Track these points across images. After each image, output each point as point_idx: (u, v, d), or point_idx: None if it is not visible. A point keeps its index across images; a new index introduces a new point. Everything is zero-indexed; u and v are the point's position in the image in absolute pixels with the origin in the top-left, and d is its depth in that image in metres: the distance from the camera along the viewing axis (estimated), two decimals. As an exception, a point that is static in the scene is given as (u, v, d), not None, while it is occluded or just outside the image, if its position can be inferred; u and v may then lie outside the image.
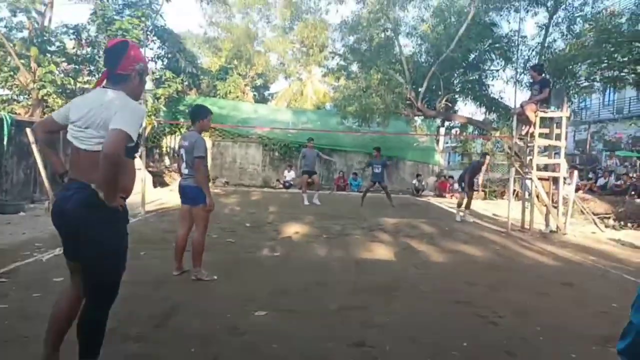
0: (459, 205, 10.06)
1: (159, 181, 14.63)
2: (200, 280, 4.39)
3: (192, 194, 4.37)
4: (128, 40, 2.46)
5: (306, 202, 11.49)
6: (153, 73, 16.63)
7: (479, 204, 13.95)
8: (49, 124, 2.44)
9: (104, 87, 2.31)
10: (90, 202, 2.16)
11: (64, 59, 13.63)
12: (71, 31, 13.93)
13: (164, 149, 17.97)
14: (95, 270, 2.24)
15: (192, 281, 4.38)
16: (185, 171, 4.43)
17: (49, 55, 12.69)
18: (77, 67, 14.20)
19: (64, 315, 2.36)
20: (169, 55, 16.63)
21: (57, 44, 13.35)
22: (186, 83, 17.03)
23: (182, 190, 4.50)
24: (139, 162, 12.69)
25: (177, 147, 4.37)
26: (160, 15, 15.40)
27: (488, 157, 10.30)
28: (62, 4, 25.45)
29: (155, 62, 16.80)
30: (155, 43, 16.21)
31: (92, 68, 14.82)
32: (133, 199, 10.05)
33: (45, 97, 12.42)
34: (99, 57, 14.79)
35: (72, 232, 2.23)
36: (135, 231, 6.85)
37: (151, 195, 11.07)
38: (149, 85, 16.18)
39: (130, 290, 3.98)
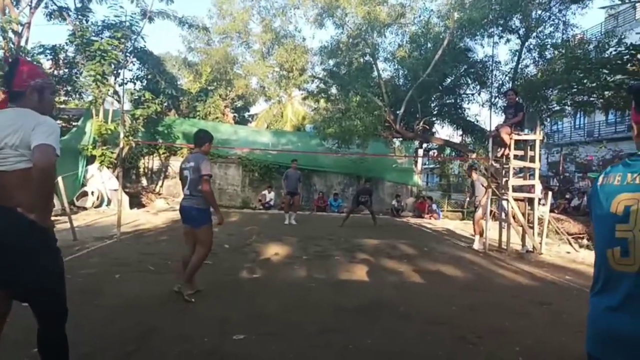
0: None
1: (135, 202, 14.38)
2: (180, 294, 4.39)
3: (194, 215, 4.46)
4: (20, 58, 2.41)
5: (286, 222, 11.73)
6: (132, 94, 16.51)
7: (457, 224, 14.11)
8: None
9: (8, 107, 2.23)
10: (20, 226, 2.04)
11: (40, 79, 13.42)
12: (48, 51, 13.78)
13: (142, 170, 17.71)
14: (45, 290, 2.16)
15: (168, 304, 4.28)
16: (187, 192, 4.50)
17: (24, 75, 12.50)
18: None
19: None
20: (149, 76, 16.57)
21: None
22: (165, 104, 16.94)
23: (184, 211, 4.56)
24: (115, 183, 12.52)
25: (178, 170, 4.49)
26: (141, 37, 15.38)
27: (474, 172, 9.77)
28: (40, 25, 25.28)
29: (134, 83, 16.71)
30: (134, 64, 16.14)
31: (69, 88, 14.64)
32: (109, 220, 9.85)
33: (19, 117, 12.18)
34: (77, 77, 14.67)
35: (4, 260, 2.05)
36: (110, 253, 6.70)
37: (127, 216, 10.86)
38: (127, 106, 16.07)
39: (104, 314, 3.87)
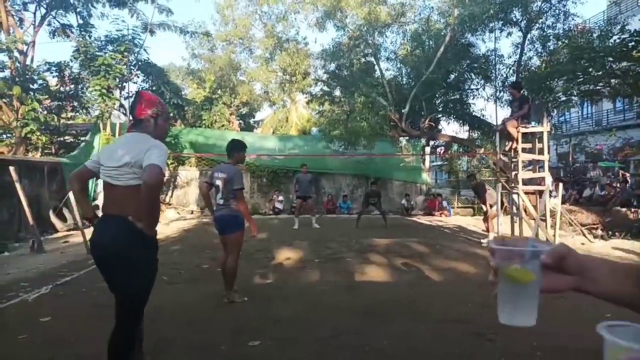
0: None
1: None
2: (233, 302, 4.56)
3: (227, 222, 4.56)
4: (140, 91, 2.91)
5: (295, 226, 11.63)
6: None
7: (469, 220, 14.03)
8: (84, 173, 2.77)
9: (130, 132, 2.68)
10: (128, 233, 2.41)
11: (46, 96, 13.61)
12: (54, 68, 13.97)
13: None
14: (133, 293, 2.48)
15: (183, 314, 4.30)
16: (220, 202, 4.61)
17: (31, 93, 12.68)
18: (60, 103, 14.18)
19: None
20: (153, 88, 16.72)
21: (40, 81, 13.36)
22: (171, 114, 17.07)
23: (218, 221, 4.65)
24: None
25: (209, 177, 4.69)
26: (144, 50, 15.54)
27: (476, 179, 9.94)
28: (45, 42, 25.60)
29: (140, 96, 16.86)
30: (139, 77, 16.31)
31: (75, 104, 14.81)
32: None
33: (28, 135, 12.34)
34: (82, 92, 14.83)
35: (106, 262, 2.46)
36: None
37: (139, 228, 10.94)
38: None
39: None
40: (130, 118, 2.74)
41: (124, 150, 2.50)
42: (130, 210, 2.42)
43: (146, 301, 2.57)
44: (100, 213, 2.65)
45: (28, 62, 13.39)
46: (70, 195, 8.88)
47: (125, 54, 13.86)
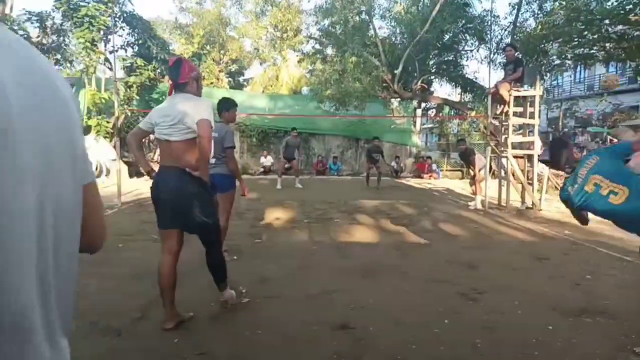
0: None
1: (134, 171, 14.36)
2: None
3: (219, 181, 4.44)
4: (181, 57, 3.20)
5: (279, 186, 11.79)
6: (124, 60, 16.15)
7: (457, 183, 14.16)
8: (139, 134, 3.22)
9: (174, 94, 3.06)
10: (186, 176, 2.94)
11: (28, 48, 13.11)
12: (35, 18, 13.40)
13: (139, 139, 17.59)
14: (204, 226, 3.03)
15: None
16: (212, 160, 4.49)
17: (12, 44, 12.19)
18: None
19: (166, 280, 3.03)
20: (140, 42, 16.17)
21: (20, 32, 12.82)
22: (158, 70, 16.60)
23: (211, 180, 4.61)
24: (113, 153, 12.44)
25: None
26: (129, 1, 14.92)
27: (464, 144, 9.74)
28: (24, -10, 24.42)
29: (125, 50, 16.33)
30: (124, 30, 15.71)
31: (59, 57, 14.31)
32: (109, 191, 9.88)
33: (10, 89, 11.96)
34: (66, 45, 14.31)
35: (177, 205, 2.95)
36: (112, 224, 6.73)
37: (127, 185, 10.87)
38: (119, 73, 15.74)
39: (109, 284, 3.92)
40: (171, 82, 3.10)
41: (176, 110, 2.90)
42: (186, 161, 2.92)
43: (217, 222, 3.20)
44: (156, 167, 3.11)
45: (7, 10, 12.81)
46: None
47: (109, 4, 13.29)
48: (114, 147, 11.54)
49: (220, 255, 3.28)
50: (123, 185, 9.05)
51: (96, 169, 12.98)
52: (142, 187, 11.17)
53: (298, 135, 12.43)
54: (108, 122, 13.58)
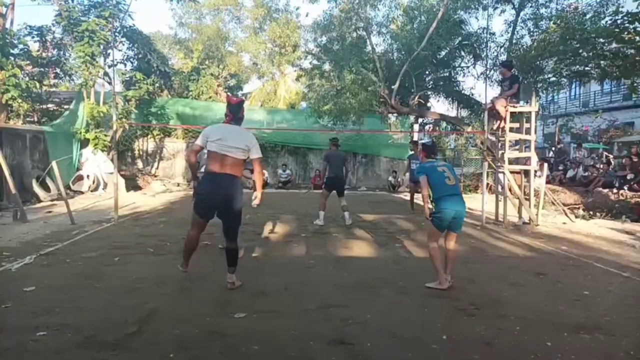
0: None
1: (132, 185, 14.34)
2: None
3: None
4: (243, 99, 4.71)
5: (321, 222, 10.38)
6: (123, 74, 16.24)
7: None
8: (197, 149, 4.16)
9: (232, 124, 4.22)
10: (236, 186, 4.11)
11: (28, 62, 13.18)
12: (35, 33, 13.49)
13: (136, 152, 17.59)
14: (237, 220, 4.19)
15: (169, 286, 4.30)
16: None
17: (12, 58, 12.25)
18: (42, 70, 13.76)
19: (193, 246, 4.35)
20: (139, 56, 16.28)
21: (21, 46, 12.90)
22: (157, 85, 16.69)
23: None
24: (110, 166, 12.43)
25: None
26: (129, 15, 15.05)
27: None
28: (25, 5, 24.62)
29: (125, 64, 16.43)
30: (124, 44, 15.84)
31: (58, 71, 14.39)
32: (106, 204, 9.81)
33: (9, 102, 11.99)
34: (65, 59, 14.39)
35: (225, 203, 4.03)
36: (108, 236, 6.71)
37: (124, 199, 10.84)
38: (118, 87, 15.82)
39: (104, 298, 3.89)
40: (230, 113, 4.22)
41: (236, 137, 4.08)
42: (235, 171, 4.06)
43: (239, 224, 4.28)
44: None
45: (8, 25, 12.89)
46: (54, 164, 8.72)
47: (110, 19, 13.42)
48: (112, 160, 11.54)
49: (237, 245, 4.24)
50: (120, 199, 9.02)
51: (93, 182, 12.96)
52: (139, 200, 11.15)
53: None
54: (106, 136, 13.60)
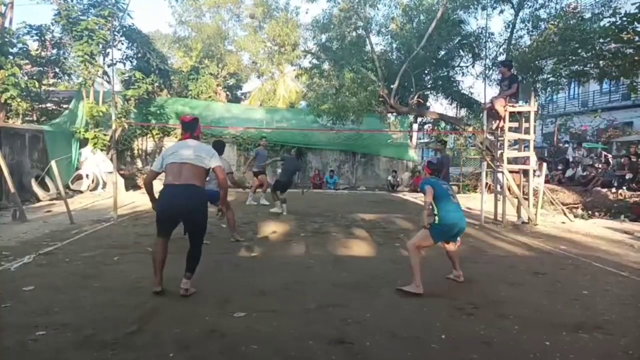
0: None
1: (131, 184, 14.32)
2: (238, 241, 6.35)
3: (212, 195, 5.04)
4: (197, 118, 4.45)
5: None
6: (122, 74, 16.22)
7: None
8: (153, 176, 4.23)
9: (189, 139, 4.19)
10: (198, 195, 3.99)
11: (27, 61, 13.16)
12: (34, 32, 13.47)
13: (136, 152, 17.58)
14: (200, 229, 4.07)
15: (168, 285, 4.29)
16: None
17: (11, 57, 12.23)
18: (41, 69, 13.74)
19: (161, 257, 3.97)
20: (139, 55, 16.25)
21: (20, 45, 12.88)
22: (156, 84, 16.66)
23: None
24: (110, 165, 12.41)
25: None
26: (128, 14, 15.02)
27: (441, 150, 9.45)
28: (24, 4, 24.58)
29: (124, 63, 16.40)
30: (123, 43, 15.80)
31: (57, 70, 14.36)
32: (105, 203, 9.81)
33: (8, 101, 11.97)
34: (65, 58, 14.36)
35: (186, 213, 3.92)
36: (107, 236, 6.70)
37: (124, 199, 10.83)
38: (117, 87, 15.80)
39: (104, 297, 3.89)
40: (185, 132, 4.24)
41: (199, 150, 4.06)
42: (198, 181, 3.97)
43: (203, 234, 4.13)
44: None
45: (7, 24, 12.87)
46: (53, 164, 8.72)
47: (109, 18, 13.39)
48: (111, 159, 11.52)
49: (200, 253, 4.08)
50: (119, 198, 9.01)
51: (92, 181, 12.95)
52: (138, 199, 11.14)
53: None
54: (105, 135, 13.58)
